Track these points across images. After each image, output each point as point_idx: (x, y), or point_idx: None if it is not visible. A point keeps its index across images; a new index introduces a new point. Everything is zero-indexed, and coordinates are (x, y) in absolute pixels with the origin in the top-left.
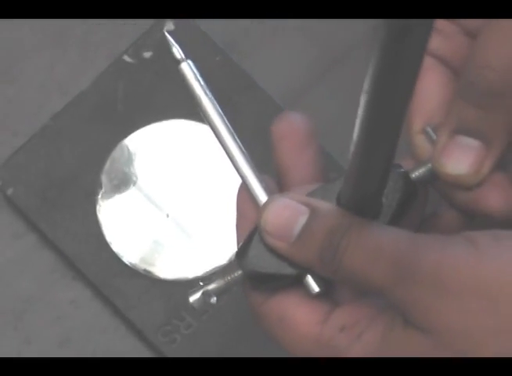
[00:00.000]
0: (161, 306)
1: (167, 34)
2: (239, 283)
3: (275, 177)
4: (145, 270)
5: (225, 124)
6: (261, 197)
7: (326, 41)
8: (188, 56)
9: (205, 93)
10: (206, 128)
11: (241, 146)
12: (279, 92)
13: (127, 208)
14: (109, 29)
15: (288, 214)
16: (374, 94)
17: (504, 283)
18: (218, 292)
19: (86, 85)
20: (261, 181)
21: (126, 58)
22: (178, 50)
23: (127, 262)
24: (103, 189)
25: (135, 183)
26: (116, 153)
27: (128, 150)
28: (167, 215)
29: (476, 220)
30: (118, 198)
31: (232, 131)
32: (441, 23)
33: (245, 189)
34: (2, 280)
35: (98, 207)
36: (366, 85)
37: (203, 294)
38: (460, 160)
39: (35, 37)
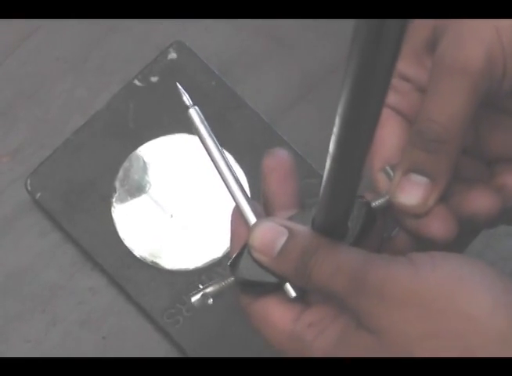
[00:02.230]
0: (166, 292)
1: (178, 84)
2: (232, 288)
3: (262, 202)
4: (152, 262)
5: (225, 160)
6: (251, 219)
7: (307, 66)
8: (190, 82)
9: (208, 134)
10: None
11: (237, 177)
12: (266, 110)
13: (137, 210)
14: (121, 58)
15: (271, 234)
16: (349, 107)
17: (435, 295)
18: (214, 294)
19: (102, 106)
20: (251, 206)
21: (136, 82)
22: (187, 98)
23: (137, 255)
24: (117, 194)
25: (143, 189)
26: (127, 163)
27: (138, 160)
28: (171, 216)
29: (423, 241)
30: (129, 201)
31: (230, 165)
32: (396, 82)
33: (238, 213)
34: (32, 272)
35: (112, 208)
36: (341, 101)
37: (202, 295)
38: (411, 193)
39: (59, 65)
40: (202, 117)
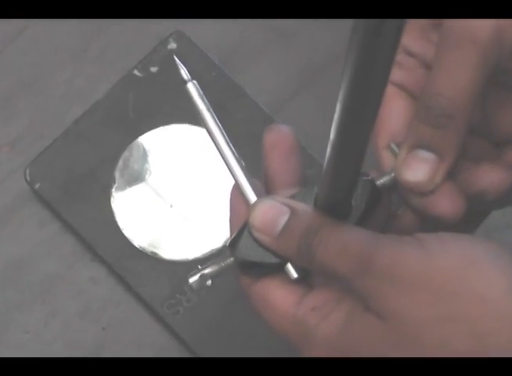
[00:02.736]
0: (166, 283)
1: (176, 58)
2: (231, 269)
3: (263, 180)
4: (152, 252)
5: (223, 135)
6: (251, 197)
7: (307, 57)
8: (190, 73)
9: (207, 109)
10: (204, 131)
11: (236, 153)
12: (266, 100)
13: (137, 200)
14: (121, 47)
15: (273, 213)
16: (349, 97)
17: (446, 277)
18: (212, 276)
19: (102, 95)
20: (251, 183)
21: (136, 72)
22: (185, 71)
23: (137, 246)
24: (116, 184)
25: (143, 178)
26: (127, 152)
27: (138, 150)
28: (171, 206)
29: (429, 220)
30: (129, 191)
31: (229, 141)
32: (401, 58)
33: (237, 190)
34: (31, 262)
35: (112, 198)
36: (341, 90)
37: (200, 276)
38: (418, 169)
39: (59, 55)
40: (200, 91)
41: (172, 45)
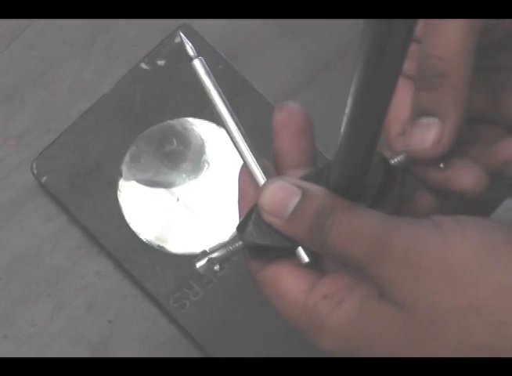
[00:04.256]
0: (173, 277)
1: (181, 34)
2: (240, 253)
3: (272, 161)
4: (159, 246)
5: (231, 113)
6: (261, 178)
7: (314, 51)
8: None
9: (214, 86)
10: (211, 125)
11: (244, 133)
12: (273, 94)
13: (143, 193)
14: (128, 41)
15: (283, 194)
16: (360, 95)
17: (467, 264)
18: (220, 260)
19: (109, 89)
20: (261, 164)
21: (143, 65)
22: (191, 48)
23: (143, 239)
24: (123, 177)
25: (150, 172)
26: (134, 146)
27: (145, 143)
28: (178, 199)
29: (446, 203)
30: (136, 185)
31: (237, 119)
32: None
33: (246, 172)
34: (38, 255)
35: (119, 192)
36: (353, 85)
37: (207, 261)
38: (424, 136)
39: (65, 48)
40: (207, 68)
41: (179, 39)
